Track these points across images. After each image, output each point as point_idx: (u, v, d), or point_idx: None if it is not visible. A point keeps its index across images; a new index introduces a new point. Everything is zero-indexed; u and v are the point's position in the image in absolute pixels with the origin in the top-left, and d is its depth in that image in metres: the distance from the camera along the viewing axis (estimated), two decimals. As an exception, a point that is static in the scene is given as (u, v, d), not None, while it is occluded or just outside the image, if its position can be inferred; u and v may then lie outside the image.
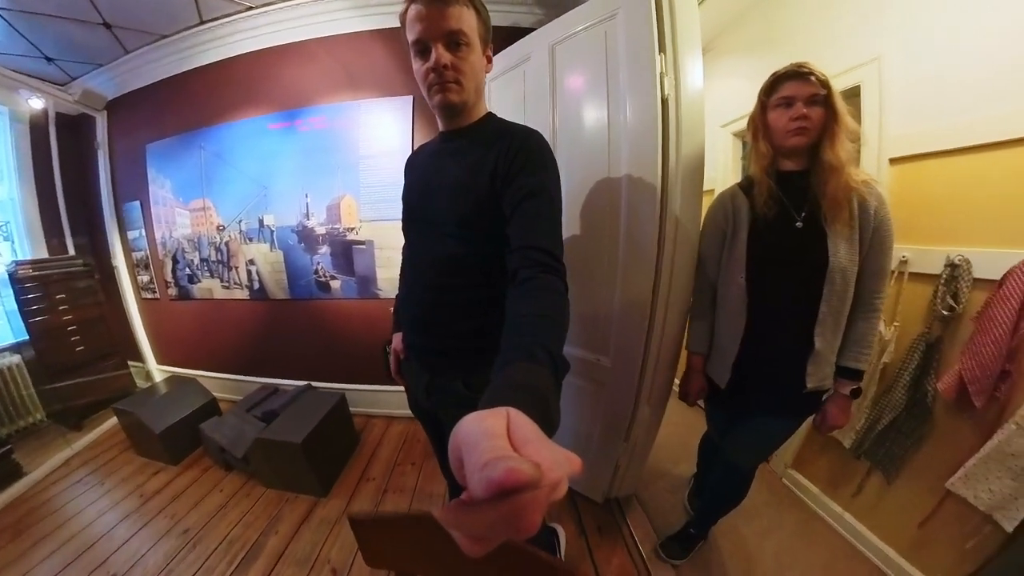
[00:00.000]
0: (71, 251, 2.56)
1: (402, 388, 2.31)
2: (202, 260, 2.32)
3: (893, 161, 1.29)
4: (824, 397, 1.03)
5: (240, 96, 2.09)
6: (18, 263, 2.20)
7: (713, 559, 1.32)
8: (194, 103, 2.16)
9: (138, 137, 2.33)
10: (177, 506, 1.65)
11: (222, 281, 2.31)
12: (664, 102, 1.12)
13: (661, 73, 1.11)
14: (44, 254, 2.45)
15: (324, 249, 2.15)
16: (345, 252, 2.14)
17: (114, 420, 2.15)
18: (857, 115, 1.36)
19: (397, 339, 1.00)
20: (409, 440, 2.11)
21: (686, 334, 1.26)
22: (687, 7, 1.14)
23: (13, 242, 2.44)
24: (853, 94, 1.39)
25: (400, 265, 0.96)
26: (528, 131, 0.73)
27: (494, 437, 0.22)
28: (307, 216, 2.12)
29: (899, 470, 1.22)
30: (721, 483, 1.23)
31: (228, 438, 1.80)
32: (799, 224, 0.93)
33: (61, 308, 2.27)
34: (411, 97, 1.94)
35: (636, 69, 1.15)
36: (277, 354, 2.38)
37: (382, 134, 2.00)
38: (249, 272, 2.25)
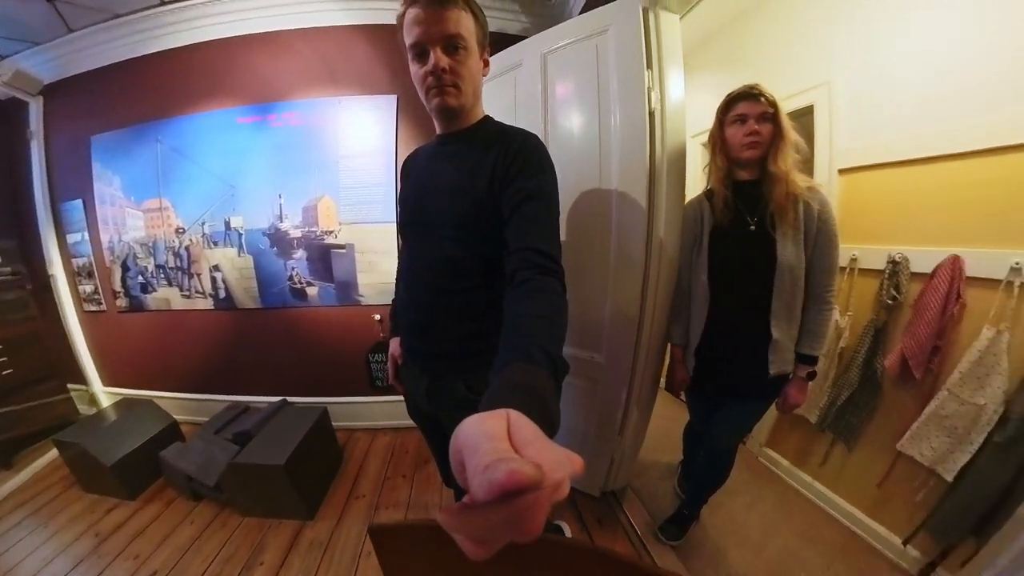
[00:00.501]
0: None
1: (385, 398, 2.22)
2: (158, 267, 2.10)
3: (842, 171, 1.50)
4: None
5: (205, 86, 1.92)
6: None
7: (706, 536, 1.43)
8: (151, 91, 1.96)
9: (81, 127, 2.07)
10: (140, 544, 1.48)
11: (182, 290, 2.10)
12: (651, 115, 1.22)
13: (649, 88, 1.21)
14: None
15: (299, 253, 2.04)
16: (323, 257, 2.05)
17: (54, 453, 1.88)
18: (811, 131, 1.58)
19: (395, 344, 0.99)
20: (397, 452, 2.05)
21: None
22: (671, 28, 1.26)
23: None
24: (807, 112, 1.60)
25: (397, 269, 0.98)
26: (526, 134, 0.74)
27: (495, 439, 0.22)
28: (280, 218, 2.00)
29: (857, 439, 1.42)
30: (707, 466, 1.35)
31: (196, 465, 1.65)
32: (752, 228, 1.07)
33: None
34: (395, 97, 1.92)
35: (626, 83, 1.24)
36: (247, 369, 2.21)
37: (364, 133, 1.95)
38: (213, 279, 2.07)
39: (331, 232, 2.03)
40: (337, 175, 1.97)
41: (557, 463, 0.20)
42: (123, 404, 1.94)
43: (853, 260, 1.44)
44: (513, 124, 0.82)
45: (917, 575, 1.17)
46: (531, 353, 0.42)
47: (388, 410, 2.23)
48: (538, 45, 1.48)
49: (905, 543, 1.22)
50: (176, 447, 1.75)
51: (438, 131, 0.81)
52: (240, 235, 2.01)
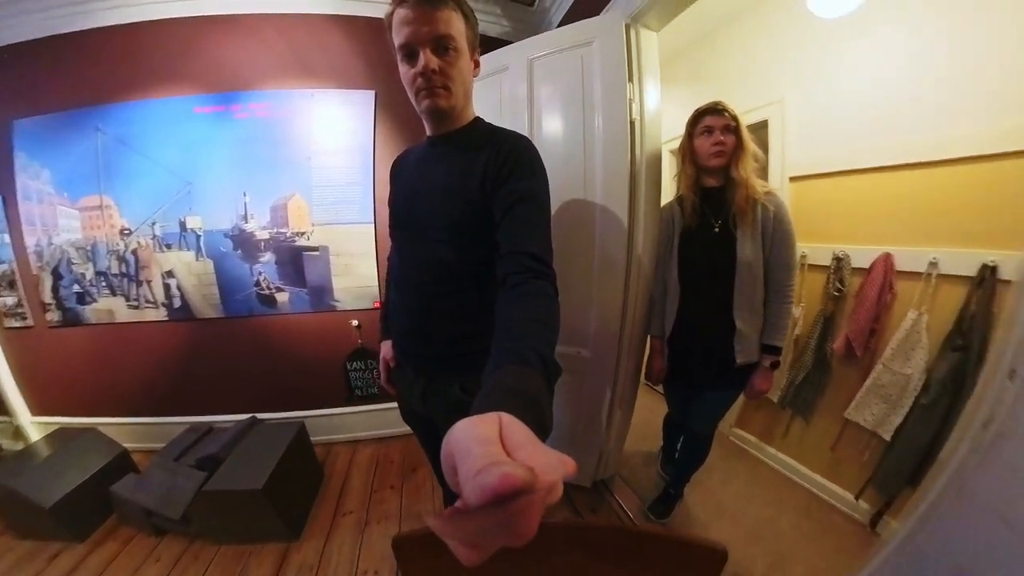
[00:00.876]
0: None
1: (366, 408, 2.12)
2: (98, 273, 1.83)
3: (792, 179, 1.72)
4: None
5: (158, 70, 1.71)
6: None
7: (690, 512, 1.57)
8: (90, 72, 1.70)
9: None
10: (98, 589, 1.30)
11: (128, 299, 1.86)
12: (632, 124, 1.33)
13: (630, 99, 1.32)
14: None
15: (267, 257, 1.91)
16: (294, 260, 1.93)
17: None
18: (766, 143, 1.79)
19: (386, 347, 0.98)
20: (382, 463, 1.99)
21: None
22: (650, 44, 1.37)
23: None
24: (763, 126, 1.81)
25: (387, 271, 0.97)
26: (517, 136, 0.75)
27: (487, 443, 0.22)
28: (245, 218, 1.85)
29: (813, 412, 1.63)
30: (689, 450, 1.49)
31: (157, 497, 1.48)
32: (716, 230, 1.20)
33: None
34: (373, 92, 1.87)
35: (609, 93, 1.33)
36: (208, 385, 2.01)
37: (339, 129, 1.87)
38: (167, 286, 1.85)
39: (303, 233, 1.92)
40: (309, 173, 1.87)
41: (549, 466, 0.20)
42: (59, 435, 1.67)
43: (803, 257, 1.65)
44: (499, 124, 0.83)
45: (868, 524, 1.38)
46: (524, 356, 0.42)
47: (369, 420, 2.15)
48: (525, 51, 1.54)
49: (857, 498, 1.43)
50: (130, 479, 1.55)
51: (428, 133, 0.80)
52: (198, 237, 1.83)
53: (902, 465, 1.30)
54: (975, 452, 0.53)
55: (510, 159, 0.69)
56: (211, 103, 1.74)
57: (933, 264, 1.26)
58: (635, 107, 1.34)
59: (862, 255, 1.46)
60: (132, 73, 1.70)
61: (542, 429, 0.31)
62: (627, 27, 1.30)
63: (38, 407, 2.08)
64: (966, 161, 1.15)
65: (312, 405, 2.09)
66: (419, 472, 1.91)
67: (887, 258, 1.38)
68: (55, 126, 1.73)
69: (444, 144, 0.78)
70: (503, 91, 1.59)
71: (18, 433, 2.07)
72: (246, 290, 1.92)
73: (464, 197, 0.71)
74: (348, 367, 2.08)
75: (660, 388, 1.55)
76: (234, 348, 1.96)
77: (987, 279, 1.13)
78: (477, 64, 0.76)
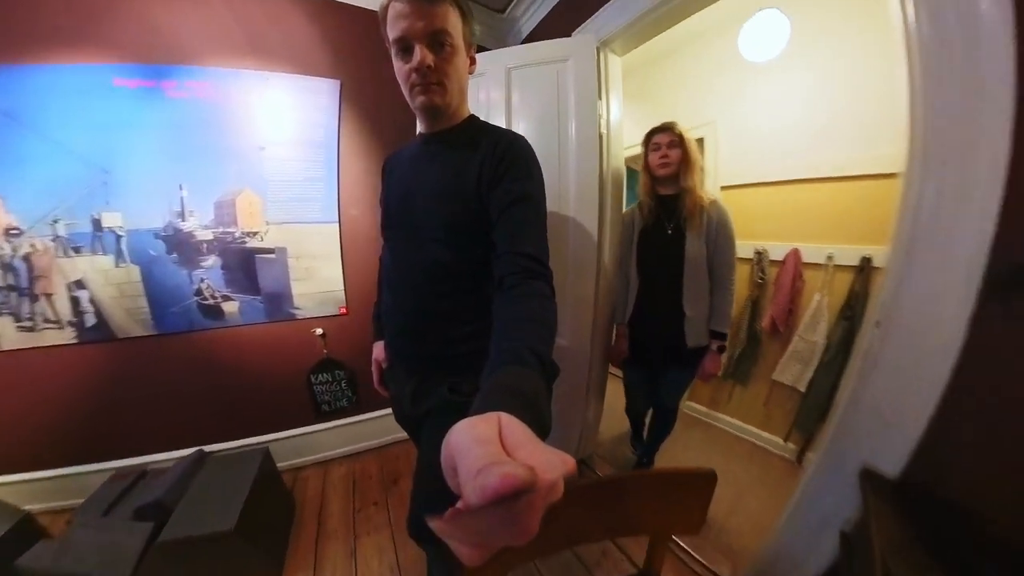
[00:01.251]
0: None
1: (336, 423, 1.98)
2: None
3: (723, 187, 2.09)
4: None
5: (66, 27, 1.36)
6: None
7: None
8: None
9: None
10: None
11: (18, 319, 1.41)
12: (600, 136, 1.52)
13: (599, 115, 1.51)
14: None
15: (211, 261, 1.66)
16: (245, 263, 1.71)
17: None
18: (704, 156, 2.15)
19: (378, 348, 0.98)
20: (360, 480, 1.87)
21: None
22: (615, 67, 1.59)
23: None
24: (700, 143, 2.17)
25: (378, 272, 0.96)
26: (513, 135, 0.74)
27: (486, 443, 0.22)
28: (182, 216, 1.59)
29: (748, 379, 2.02)
30: (660, 423, 1.74)
31: (92, 562, 1.19)
32: (669, 232, 1.46)
33: None
34: (338, 82, 1.75)
35: (581, 108, 1.51)
36: (137, 420, 1.64)
37: (299, 118, 1.71)
38: (75, 300, 1.47)
39: (255, 233, 1.71)
40: (262, 165, 1.68)
41: (550, 464, 0.20)
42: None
43: (734, 253, 2.03)
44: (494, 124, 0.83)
45: (796, 459, 1.77)
46: (522, 356, 0.42)
47: (340, 437, 2.00)
48: (503, 59, 1.64)
49: (785, 440, 1.82)
50: (40, 548, 1.21)
51: (421, 130, 0.80)
52: (119, 238, 1.50)
53: (813, 409, 1.71)
54: (860, 377, 0.79)
55: (506, 158, 0.69)
56: (137, 75, 1.45)
57: (830, 257, 1.68)
58: (603, 121, 1.53)
59: (777, 249, 1.86)
60: (28, 28, 1.32)
61: (542, 428, 0.31)
62: (598, 50, 1.48)
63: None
64: (851, 179, 1.57)
65: (272, 428, 1.86)
66: (401, 483, 1.85)
67: (796, 252, 1.79)
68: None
69: (438, 142, 0.77)
70: (479, 97, 1.66)
71: None
72: (184, 301, 1.64)
73: (460, 196, 0.70)
74: (313, 381, 1.91)
75: (620, 373, 1.76)
76: (171, 371, 1.65)
77: (866, 267, 1.55)
78: (473, 61, 0.75)
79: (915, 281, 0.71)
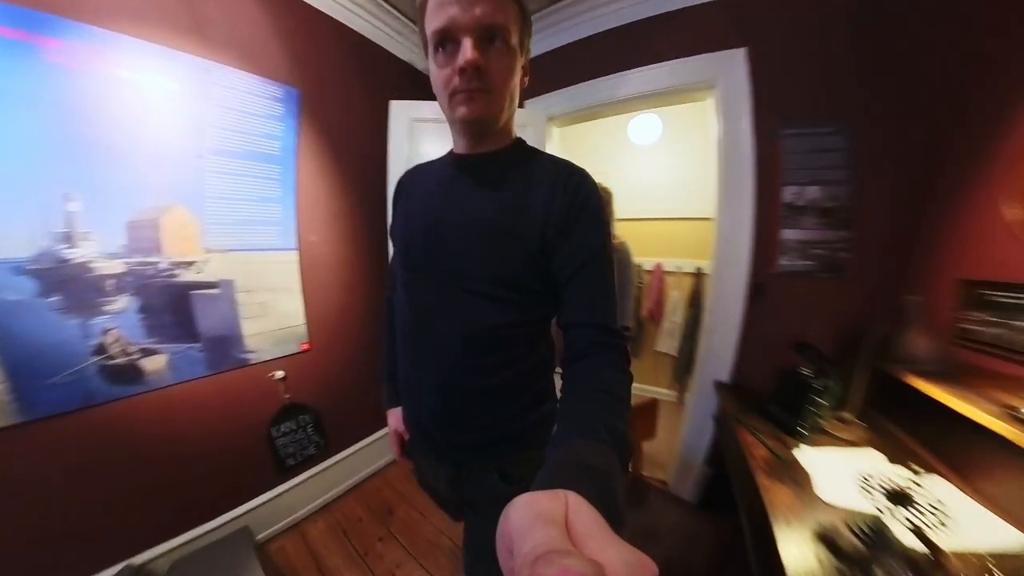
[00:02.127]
0: None
1: (304, 476, 1.75)
2: None
3: (618, 220, 2.90)
4: None
5: None
6: None
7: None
8: None
9: None
10: None
11: None
12: None
13: None
14: None
15: (122, 302, 1.20)
16: (175, 303, 1.31)
17: None
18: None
19: (395, 417, 0.83)
20: (349, 525, 1.67)
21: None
22: (556, 133, 2.12)
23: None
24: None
25: (387, 316, 0.82)
26: (581, 170, 0.62)
27: (550, 524, 0.20)
28: (70, 239, 1.10)
29: (641, 353, 2.87)
30: None
31: None
32: None
33: None
34: (297, 92, 1.57)
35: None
36: (13, 552, 0.97)
37: (250, 127, 1.46)
38: None
39: (190, 264, 1.34)
40: (201, 178, 1.35)
41: (623, 565, 0.18)
42: None
43: (621, 266, 2.87)
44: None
45: (678, 401, 2.68)
46: (594, 429, 0.38)
47: (312, 489, 1.72)
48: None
49: (670, 389, 2.72)
50: None
51: (458, 149, 0.66)
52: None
53: (683, 364, 2.65)
54: (706, 339, 1.65)
55: (579, 198, 0.58)
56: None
57: (679, 267, 2.66)
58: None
59: (648, 263, 2.78)
60: None
61: (615, 516, 0.27)
62: (548, 121, 1.97)
63: None
64: (690, 219, 2.58)
65: (226, 505, 1.43)
66: (399, 511, 1.76)
67: (660, 265, 2.74)
68: None
69: (481, 166, 0.63)
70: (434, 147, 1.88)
71: None
72: (75, 365, 1.11)
73: (520, 241, 0.58)
74: (274, 434, 1.57)
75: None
76: (59, 468, 1.07)
77: (700, 274, 2.58)
78: (526, 72, 0.62)
79: (723, 283, 1.56)
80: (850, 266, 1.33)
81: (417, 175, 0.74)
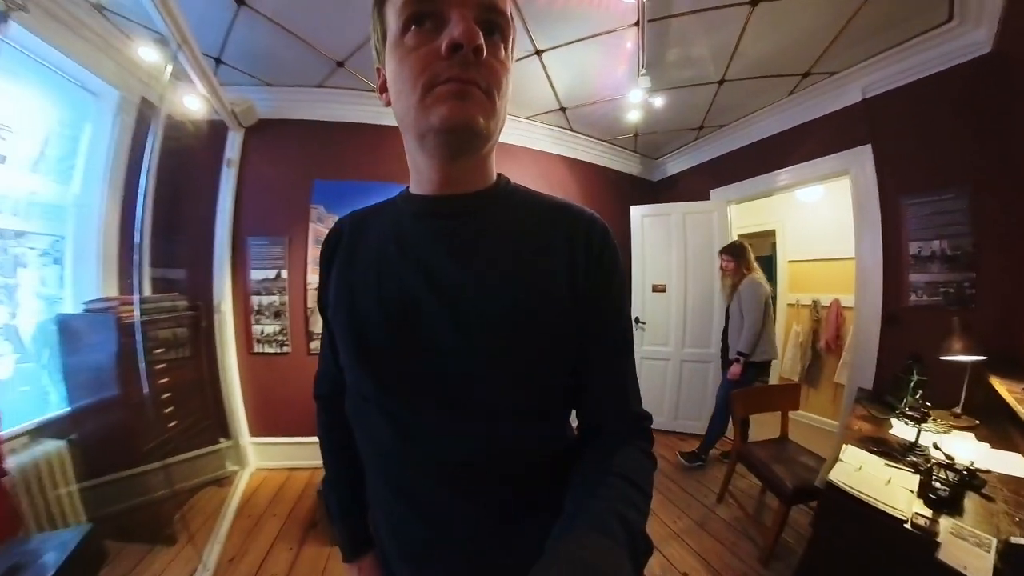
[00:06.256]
0: (143, 289, 2.02)
1: None
2: None
3: (797, 261, 3.51)
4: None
5: None
6: (92, 303, 1.75)
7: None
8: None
9: (301, 169, 2.34)
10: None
11: None
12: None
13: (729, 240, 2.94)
14: (107, 284, 1.92)
15: None
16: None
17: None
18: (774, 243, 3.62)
19: (370, 572, 0.60)
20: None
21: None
22: (733, 211, 3.03)
23: (63, 266, 1.84)
24: (771, 234, 3.64)
25: (323, 428, 0.64)
26: (594, 215, 0.48)
27: None
28: None
29: (819, 385, 3.25)
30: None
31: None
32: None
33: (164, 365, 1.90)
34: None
35: (722, 239, 3.01)
36: None
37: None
38: None
39: None
40: None
41: None
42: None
43: (797, 301, 3.41)
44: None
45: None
46: (605, 521, 0.33)
47: None
48: (680, 208, 3.12)
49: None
50: None
51: (422, 189, 0.47)
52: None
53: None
54: (852, 352, 2.10)
55: (605, 257, 0.46)
56: None
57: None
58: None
59: (826, 299, 3.23)
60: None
61: None
62: (727, 204, 2.95)
63: (260, 428, 2.31)
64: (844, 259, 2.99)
65: None
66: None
67: (837, 301, 3.15)
68: (351, 192, 2.32)
69: (463, 214, 0.46)
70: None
71: (239, 457, 2.26)
72: None
73: (546, 329, 0.43)
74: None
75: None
76: None
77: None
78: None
79: (863, 314, 2.12)
80: (975, 300, 1.81)
81: (360, 225, 0.53)
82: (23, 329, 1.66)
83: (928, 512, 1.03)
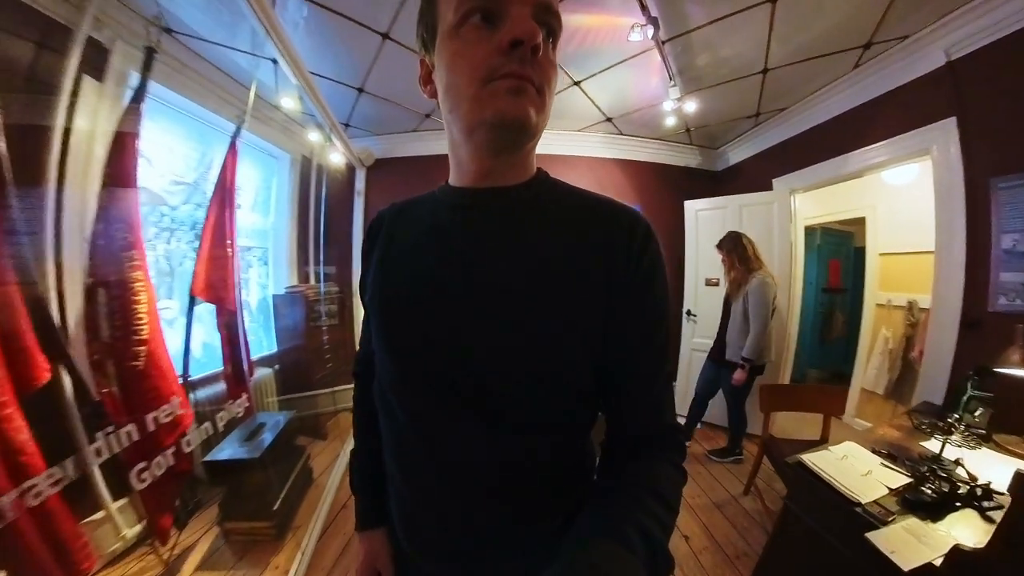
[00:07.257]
0: (312, 279, 3.14)
1: None
2: None
3: (888, 254, 3.07)
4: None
5: None
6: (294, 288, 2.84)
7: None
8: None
9: (404, 192, 3.18)
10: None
11: None
12: (790, 244, 2.75)
13: (791, 231, 2.74)
14: (291, 277, 3.02)
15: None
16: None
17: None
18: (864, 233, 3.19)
19: (373, 544, 0.61)
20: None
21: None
22: (796, 199, 2.81)
23: (268, 266, 3.01)
24: (860, 221, 3.22)
25: (358, 407, 0.67)
26: (637, 213, 0.46)
27: None
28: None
29: (907, 401, 2.86)
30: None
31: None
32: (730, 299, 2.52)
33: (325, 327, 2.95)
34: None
35: (784, 230, 2.83)
36: None
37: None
38: None
39: None
40: None
41: None
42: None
43: (888, 301, 2.96)
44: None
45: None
46: (623, 532, 0.32)
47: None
48: (740, 200, 3.05)
49: None
50: None
51: (462, 181, 0.48)
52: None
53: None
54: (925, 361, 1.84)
55: (646, 256, 0.44)
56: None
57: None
58: (794, 234, 2.81)
59: (924, 300, 2.76)
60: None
61: None
62: (791, 193, 2.79)
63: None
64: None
65: None
66: None
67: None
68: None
69: (500, 206, 0.46)
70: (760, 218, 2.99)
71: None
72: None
73: (579, 329, 0.43)
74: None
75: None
76: None
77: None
78: None
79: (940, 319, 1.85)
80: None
81: (399, 216, 0.56)
82: (252, 304, 2.80)
83: (894, 507, 1.04)
